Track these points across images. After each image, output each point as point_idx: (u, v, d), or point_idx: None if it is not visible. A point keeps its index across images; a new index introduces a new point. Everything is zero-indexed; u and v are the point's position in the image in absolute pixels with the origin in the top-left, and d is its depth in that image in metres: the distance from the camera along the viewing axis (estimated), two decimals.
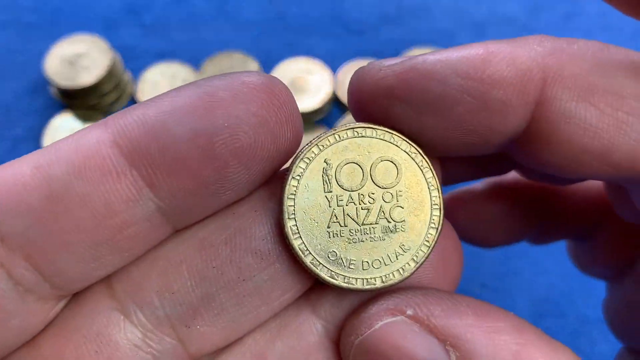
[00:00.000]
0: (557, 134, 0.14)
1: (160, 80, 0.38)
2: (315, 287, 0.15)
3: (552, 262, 0.33)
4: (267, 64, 0.38)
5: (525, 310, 0.31)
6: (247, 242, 0.14)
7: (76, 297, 0.14)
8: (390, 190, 0.15)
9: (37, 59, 0.38)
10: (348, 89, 0.15)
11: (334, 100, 0.38)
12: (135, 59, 0.39)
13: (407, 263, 0.15)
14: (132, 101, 0.39)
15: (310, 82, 0.37)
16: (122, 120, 0.13)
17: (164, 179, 0.13)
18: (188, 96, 0.13)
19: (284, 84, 0.14)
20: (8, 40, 0.39)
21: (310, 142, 0.15)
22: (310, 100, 0.37)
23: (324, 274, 0.14)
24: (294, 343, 0.15)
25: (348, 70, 0.38)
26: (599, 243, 0.22)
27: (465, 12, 0.42)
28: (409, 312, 0.14)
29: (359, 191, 0.15)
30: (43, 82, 0.38)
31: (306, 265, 0.14)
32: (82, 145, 0.12)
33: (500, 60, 0.13)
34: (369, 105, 0.15)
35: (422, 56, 0.14)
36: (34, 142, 0.37)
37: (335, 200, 0.15)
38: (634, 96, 0.13)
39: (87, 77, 0.36)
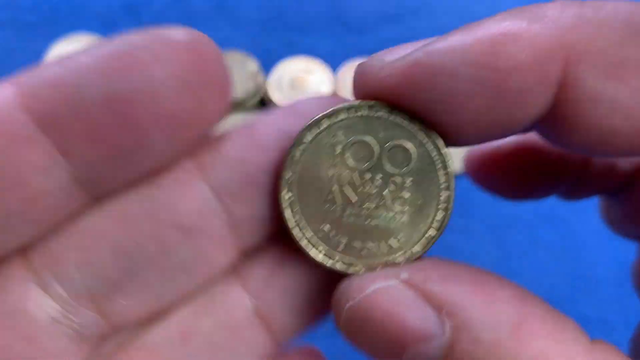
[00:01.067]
0: (583, 117, 0.12)
1: None
2: (246, 263, 0.15)
3: (553, 262, 0.33)
4: (267, 64, 0.38)
5: None
6: (171, 216, 0.13)
7: None
8: (397, 178, 0.14)
9: (36, 59, 0.38)
10: (352, 87, 0.14)
11: None
12: None
13: (397, 258, 0.14)
14: None
15: (310, 81, 0.37)
16: (32, 80, 0.12)
17: (79, 147, 0.12)
18: (104, 56, 0.12)
19: (212, 42, 0.12)
20: (7, 39, 0.39)
21: (323, 113, 0.14)
22: None
23: (305, 246, 0.14)
24: (223, 318, 0.14)
25: (348, 70, 0.38)
26: (631, 199, 0.20)
27: (466, 10, 0.41)
28: (404, 275, 0.13)
29: (364, 172, 0.14)
30: None
31: (291, 233, 0.14)
32: None
33: (516, 42, 0.12)
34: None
35: (426, 47, 0.12)
36: None
37: (337, 178, 0.14)
38: None
39: None
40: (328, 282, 0.15)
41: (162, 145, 0.12)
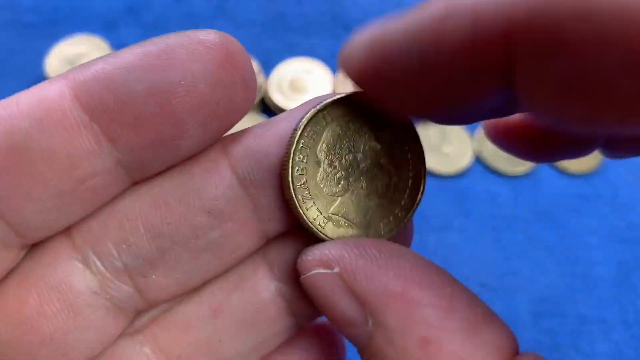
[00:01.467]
0: (539, 99, 0.11)
1: None
2: (273, 247, 0.16)
3: (552, 262, 0.33)
4: (267, 64, 0.38)
5: (525, 310, 0.31)
6: (201, 201, 0.15)
7: (37, 247, 0.15)
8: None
9: (37, 60, 0.38)
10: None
11: None
12: None
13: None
14: None
15: (310, 82, 0.37)
16: (82, 75, 0.13)
17: (124, 134, 0.13)
18: (146, 53, 0.13)
19: (240, 44, 0.14)
20: (8, 40, 0.40)
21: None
22: None
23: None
24: (250, 298, 0.16)
25: None
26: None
27: None
28: (336, 270, 0.14)
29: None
30: None
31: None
32: (43, 98, 0.13)
33: (458, 21, 0.11)
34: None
35: (372, 31, 0.13)
36: None
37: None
38: None
39: None
40: None
41: (197, 133, 0.14)
